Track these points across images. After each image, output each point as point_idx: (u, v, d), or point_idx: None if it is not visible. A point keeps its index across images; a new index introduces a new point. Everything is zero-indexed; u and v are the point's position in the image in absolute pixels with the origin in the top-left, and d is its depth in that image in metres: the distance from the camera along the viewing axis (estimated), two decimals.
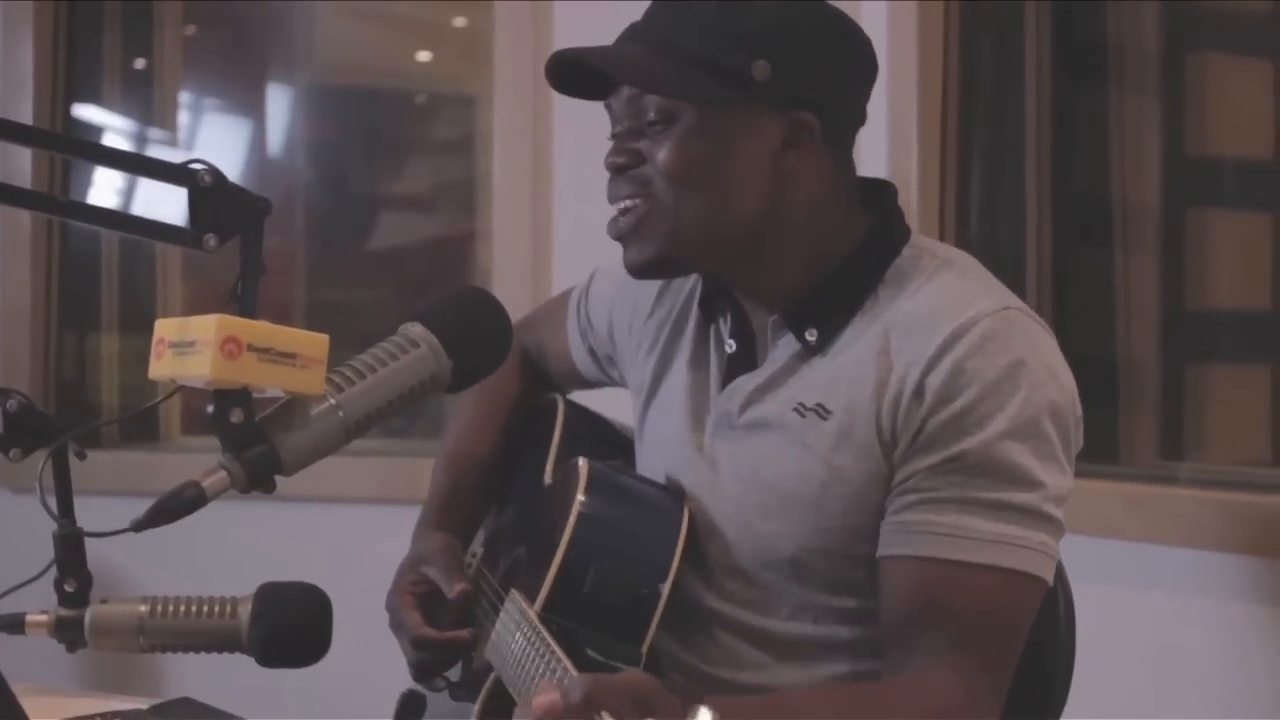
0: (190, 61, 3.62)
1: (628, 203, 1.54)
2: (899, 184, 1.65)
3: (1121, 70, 2.61)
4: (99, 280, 3.50)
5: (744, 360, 1.60)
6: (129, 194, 3.46)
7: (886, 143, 2.62)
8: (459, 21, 3.59)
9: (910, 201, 2.58)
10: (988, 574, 1.43)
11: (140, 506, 1.17)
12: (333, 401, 1.19)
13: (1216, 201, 2.59)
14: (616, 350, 1.79)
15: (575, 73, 1.57)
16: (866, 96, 1.60)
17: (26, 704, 1.19)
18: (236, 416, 1.16)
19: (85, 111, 3.53)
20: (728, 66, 1.49)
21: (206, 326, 1.12)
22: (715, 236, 1.53)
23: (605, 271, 1.81)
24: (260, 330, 1.13)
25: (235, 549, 2.74)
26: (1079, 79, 2.66)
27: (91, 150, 1.40)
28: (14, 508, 2.96)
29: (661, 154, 1.51)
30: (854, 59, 1.57)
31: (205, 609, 1.23)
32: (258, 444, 1.17)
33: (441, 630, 1.68)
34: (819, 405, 1.51)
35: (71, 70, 3.45)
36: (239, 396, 1.15)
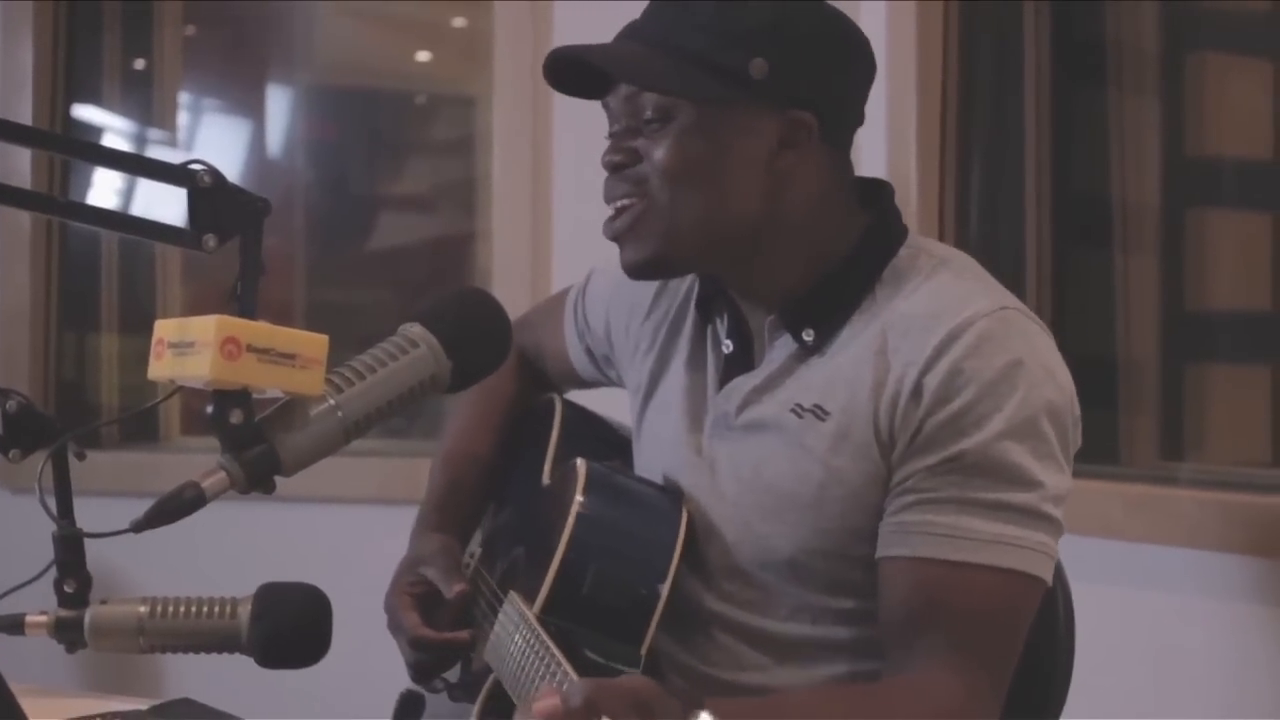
0: (190, 62, 3.62)
1: (623, 202, 1.54)
2: (899, 184, 1.65)
3: (1121, 70, 2.61)
4: (98, 280, 3.50)
5: (741, 361, 1.60)
6: (128, 194, 3.46)
7: (886, 143, 2.62)
8: (459, 22, 3.59)
9: (910, 201, 2.58)
10: (987, 574, 1.43)
11: (140, 507, 1.17)
12: (332, 402, 1.19)
13: (1216, 202, 2.59)
14: (614, 351, 1.79)
15: (573, 71, 1.57)
16: (865, 97, 1.60)
17: (26, 705, 1.19)
18: (236, 417, 1.16)
19: (85, 112, 3.53)
20: (725, 65, 1.49)
21: (206, 327, 1.12)
22: (711, 236, 1.53)
23: (602, 271, 1.81)
24: (260, 331, 1.13)
25: (235, 549, 2.74)
26: (1078, 79, 2.66)
27: (91, 151, 1.40)
28: (13, 508, 2.96)
29: (658, 152, 1.51)
30: (852, 59, 1.57)
31: (205, 610, 1.24)
32: (257, 444, 1.17)
33: (440, 631, 1.68)
34: (816, 406, 1.51)
35: (71, 70, 3.45)
36: (238, 397, 1.15)
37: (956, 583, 1.43)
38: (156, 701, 1.56)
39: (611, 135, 1.56)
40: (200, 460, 1.19)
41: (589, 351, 1.84)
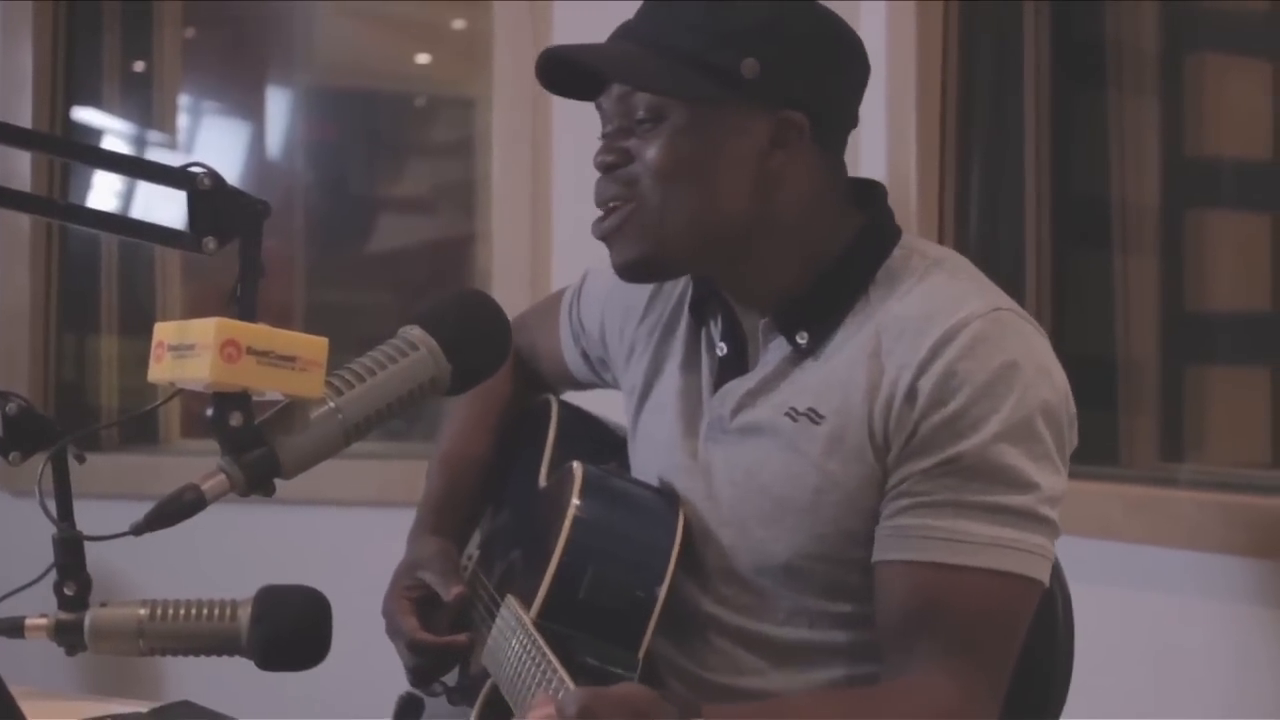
0: (189, 64, 3.61)
1: (613, 204, 1.54)
2: (899, 184, 1.66)
3: (1120, 71, 2.61)
4: (98, 282, 3.50)
5: (736, 363, 1.59)
6: (128, 196, 3.46)
7: (885, 143, 2.62)
8: (458, 24, 3.59)
9: (909, 202, 2.57)
10: (984, 577, 1.43)
11: (140, 510, 1.17)
12: (332, 405, 1.19)
13: (1215, 202, 2.59)
14: (608, 353, 1.79)
15: (565, 71, 1.56)
16: (858, 98, 1.59)
17: (26, 707, 1.19)
18: (236, 420, 1.16)
19: (84, 114, 3.53)
20: (716, 64, 1.49)
21: (206, 330, 1.12)
22: (702, 236, 1.52)
23: (597, 272, 1.79)
24: (259, 333, 1.13)
25: (235, 552, 2.74)
26: (1078, 79, 2.66)
27: (91, 154, 1.40)
28: (13, 511, 2.97)
29: (650, 152, 1.51)
30: (844, 59, 1.57)
31: (205, 612, 1.24)
32: (257, 447, 1.17)
33: (438, 635, 1.68)
34: (811, 410, 1.51)
35: (70, 72, 3.45)
36: (238, 400, 1.15)
37: (954, 586, 1.43)
38: (156, 704, 1.56)
39: (604, 136, 1.56)
40: (200, 463, 1.18)
41: (584, 354, 1.84)
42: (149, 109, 3.55)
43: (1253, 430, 2.52)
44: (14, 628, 1.23)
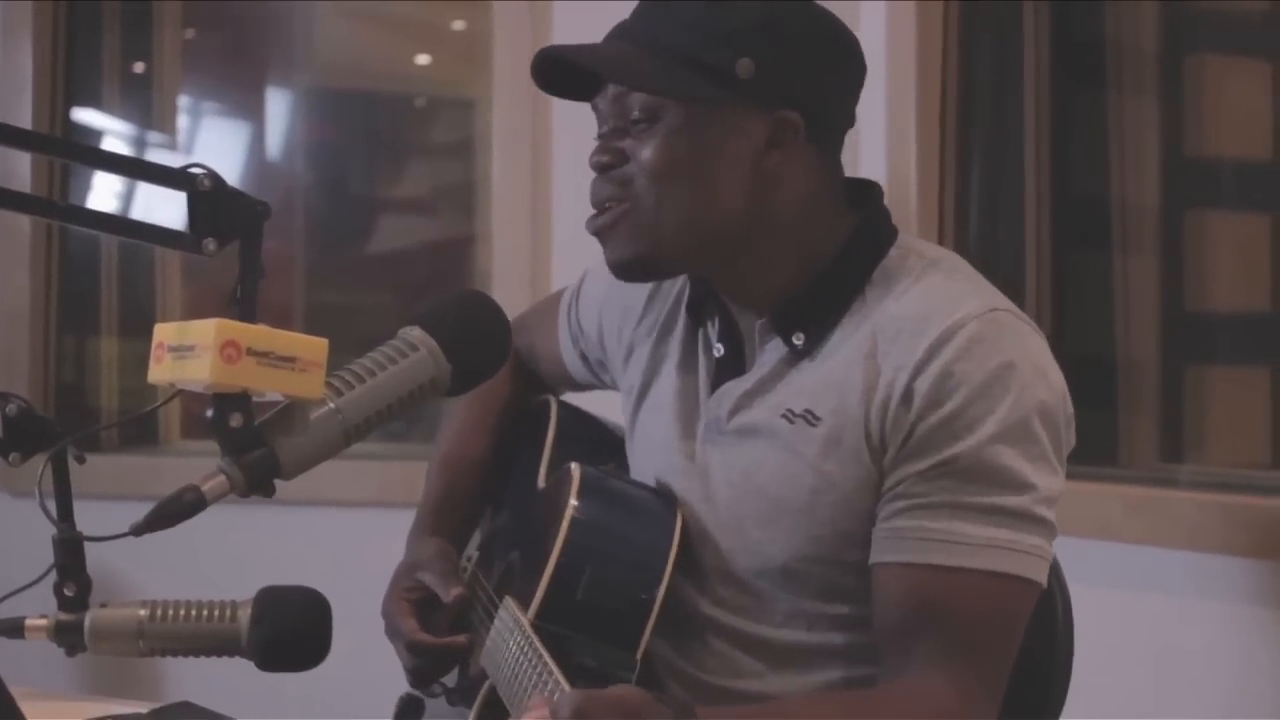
0: (189, 65, 3.61)
1: (609, 204, 1.53)
2: (899, 184, 1.65)
3: (1120, 71, 2.61)
4: (98, 283, 3.50)
5: (733, 364, 1.59)
6: (128, 197, 3.46)
7: (885, 143, 2.62)
8: (458, 24, 3.59)
9: (909, 202, 2.57)
10: (981, 579, 1.43)
11: (140, 510, 1.17)
12: (332, 405, 1.19)
13: (1215, 203, 2.59)
14: (607, 354, 1.78)
15: (561, 72, 1.56)
16: (854, 98, 1.59)
17: (26, 708, 1.19)
18: (236, 420, 1.16)
19: (84, 115, 3.53)
20: (712, 65, 1.49)
21: (206, 330, 1.12)
22: (698, 235, 1.52)
23: (596, 273, 1.79)
24: (259, 334, 1.13)
25: (235, 553, 2.74)
26: (1078, 80, 2.66)
27: (90, 155, 1.40)
28: (13, 512, 2.97)
29: (645, 152, 1.51)
30: (840, 59, 1.57)
31: (205, 613, 1.24)
32: (257, 448, 1.17)
33: (437, 636, 1.68)
34: (807, 411, 1.51)
35: (70, 73, 3.45)
36: (238, 400, 1.15)
37: (951, 587, 1.43)
38: (156, 705, 1.56)
39: (600, 136, 1.56)
40: (200, 464, 1.18)
41: (582, 355, 1.84)
42: (149, 110, 3.55)
43: (1253, 431, 2.52)
44: (14, 628, 1.23)
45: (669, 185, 1.50)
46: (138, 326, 3.50)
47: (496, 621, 1.60)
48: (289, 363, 1.14)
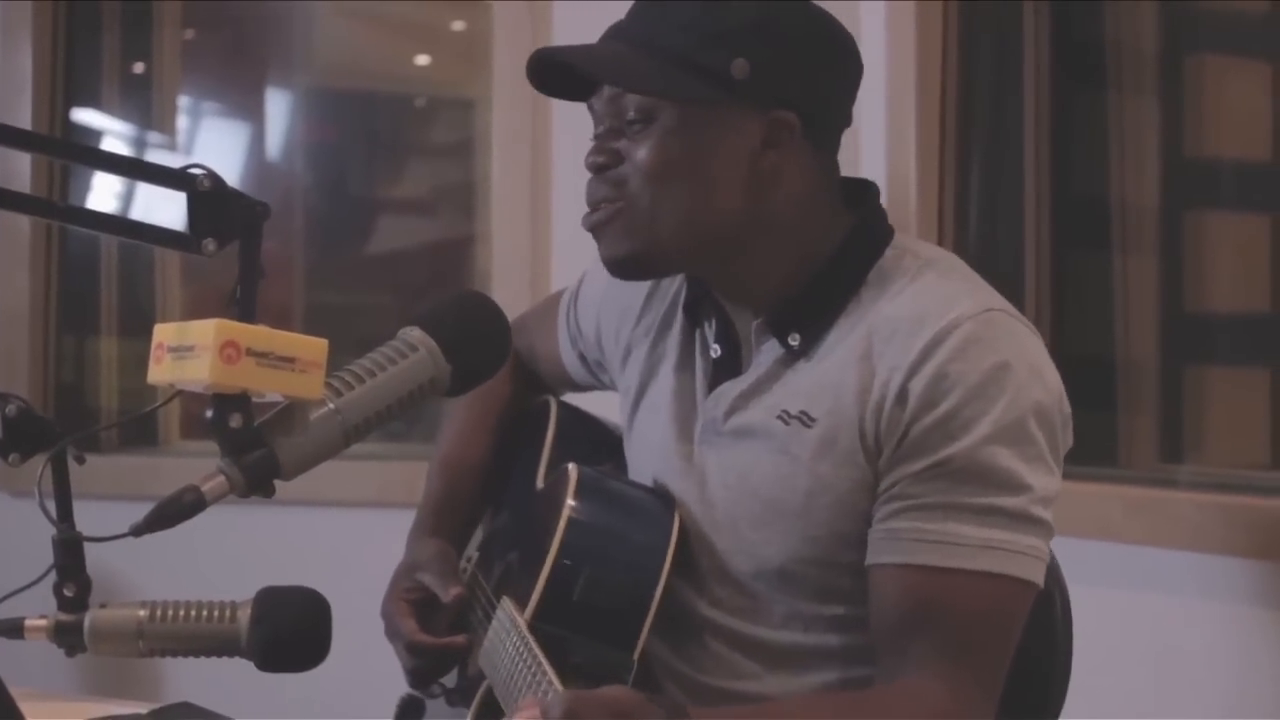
0: (189, 65, 3.61)
1: (603, 205, 1.53)
2: (898, 184, 1.65)
3: (1120, 71, 2.61)
4: (98, 284, 3.50)
5: (729, 365, 1.59)
6: (128, 198, 3.46)
7: (885, 143, 2.62)
8: (457, 25, 3.59)
9: (909, 202, 2.58)
10: (978, 580, 1.42)
11: (139, 511, 1.17)
12: (332, 406, 1.19)
13: (1215, 203, 2.59)
14: (604, 355, 1.78)
15: (557, 72, 1.56)
16: (851, 98, 1.59)
17: (26, 709, 1.19)
18: (235, 421, 1.16)
19: (84, 115, 3.53)
20: (707, 65, 1.48)
21: (205, 331, 1.12)
22: (693, 235, 1.52)
23: (594, 274, 1.79)
24: (259, 335, 1.13)
25: (234, 553, 2.74)
26: (1078, 80, 2.66)
27: (90, 155, 1.40)
28: (13, 512, 2.97)
29: (640, 152, 1.50)
30: (836, 59, 1.56)
31: (204, 613, 1.24)
32: (257, 448, 1.17)
33: (437, 636, 1.68)
34: (803, 413, 1.50)
35: (70, 74, 3.45)
36: (238, 401, 1.15)
37: (947, 589, 1.42)
38: (156, 705, 1.56)
39: (596, 137, 1.56)
40: (200, 464, 1.18)
41: (581, 356, 1.84)
42: (148, 110, 3.55)
43: (1252, 431, 2.52)
44: (14, 629, 1.23)
45: (664, 186, 1.50)
46: (137, 327, 3.50)
47: (494, 622, 1.60)
48: (288, 363, 1.14)
